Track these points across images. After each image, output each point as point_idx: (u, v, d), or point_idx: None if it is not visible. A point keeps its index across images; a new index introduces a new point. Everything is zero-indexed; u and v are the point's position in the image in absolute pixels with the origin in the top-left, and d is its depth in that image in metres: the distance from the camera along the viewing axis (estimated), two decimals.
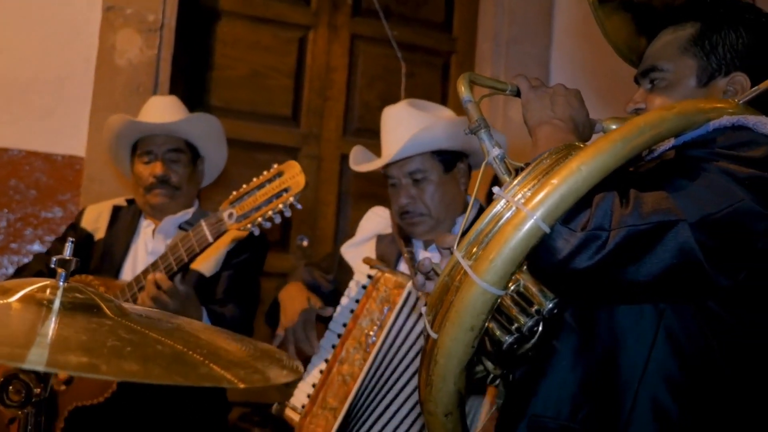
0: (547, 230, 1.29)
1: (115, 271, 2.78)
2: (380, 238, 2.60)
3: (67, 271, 1.18)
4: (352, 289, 2.43)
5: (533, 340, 1.44)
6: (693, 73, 1.63)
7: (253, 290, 2.85)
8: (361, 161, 2.66)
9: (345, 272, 2.56)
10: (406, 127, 2.47)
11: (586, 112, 1.58)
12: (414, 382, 2.26)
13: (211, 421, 2.77)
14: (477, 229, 1.36)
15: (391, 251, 2.54)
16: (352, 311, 2.38)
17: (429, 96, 4.15)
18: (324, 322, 2.49)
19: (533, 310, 1.41)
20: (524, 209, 1.29)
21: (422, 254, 2.53)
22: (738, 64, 1.61)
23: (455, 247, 1.37)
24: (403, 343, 2.25)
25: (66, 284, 1.17)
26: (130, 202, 2.94)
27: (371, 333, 2.28)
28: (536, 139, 1.51)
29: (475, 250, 1.35)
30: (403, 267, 2.50)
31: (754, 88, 1.55)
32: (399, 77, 4.19)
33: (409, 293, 2.25)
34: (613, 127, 1.61)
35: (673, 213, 1.30)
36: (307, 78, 4.10)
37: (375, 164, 2.56)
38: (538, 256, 1.31)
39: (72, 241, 1.20)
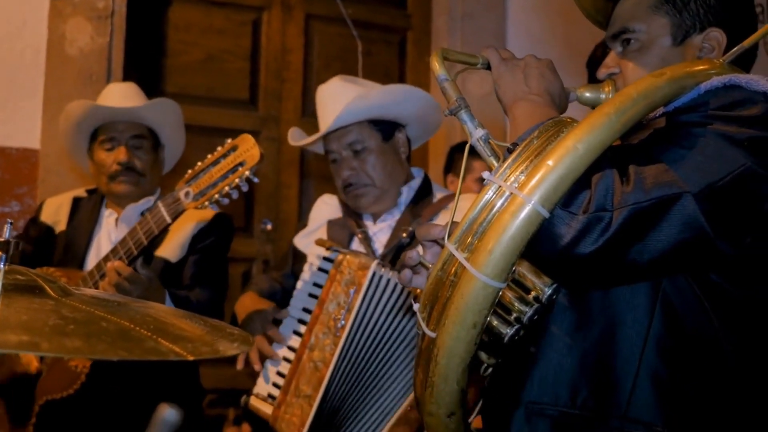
0: (547, 215, 1.22)
1: (79, 262, 2.74)
2: (331, 223, 2.60)
3: (7, 253, 1.16)
4: (306, 272, 2.42)
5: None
6: (667, 32, 1.56)
7: (221, 273, 2.82)
8: (299, 139, 2.66)
9: (300, 262, 2.55)
10: (341, 98, 2.47)
11: (560, 81, 1.52)
12: (389, 364, 2.26)
13: (185, 409, 2.75)
14: (469, 218, 1.29)
15: (342, 234, 2.54)
16: (311, 295, 2.37)
17: (387, 73, 4.15)
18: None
19: (531, 297, 1.37)
20: (520, 194, 1.22)
21: (372, 229, 2.53)
22: (711, 20, 1.55)
23: (447, 239, 1.30)
24: (373, 325, 2.25)
25: (6, 266, 1.15)
26: (91, 192, 2.90)
27: (339, 317, 2.27)
28: (513, 117, 1.44)
29: (469, 240, 1.27)
30: (356, 246, 2.50)
31: (737, 47, 1.49)
32: (356, 56, 4.17)
33: (374, 273, 2.24)
34: (587, 95, 1.57)
35: (676, 185, 1.25)
36: (263, 60, 4.07)
37: (313, 137, 2.56)
38: (539, 244, 1.25)
39: (10, 223, 1.18)
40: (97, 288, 2.51)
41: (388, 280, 2.23)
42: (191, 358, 1.03)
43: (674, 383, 1.36)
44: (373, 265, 2.25)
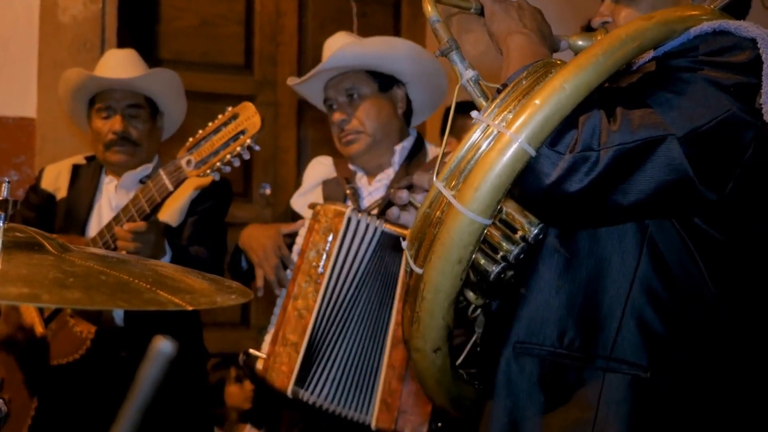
0: (534, 153, 1.24)
1: (81, 228, 2.76)
2: (326, 183, 2.62)
3: (6, 212, 1.17)
4: (301, 235, 2.45)
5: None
6: None
7: (219, 235, 2.84)
8: (299, 87, 2.69)
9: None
10: (339, 45, 2.53)
11: (550, 27, 1.53)
12: (371, 305, 2.29)
13: (189, 372, 2.78)
14: (457, 157, 1.30)
15: (337, 192, 2.56)
16: None
17: (382, 35, 4.12)
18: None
19: (518, 237, 1.37)
20: (507, 132, 1.23)
21: (368, 189, 2.56)
22: None
23: (435, 177, 1.32)
24: (351, 268, 2.29)
25: (5, 225, 1.17)
26: (90, 159, 2.91)
27: (319, 264, 2.30)
28: (508, 50, 1.45)
29: (456, 178, 1.29)
30: (349, 203, 2.53)
31: None
32: (351, 18, 4.15)
33: (350, 219, 2.27)
34: (580, 43, 1.56)
35: (661, 128, 1.26)
36: (257, 24, 4.06)
37: (308, 75, 2.59)
38: (525, 182, 1.27)
39: (8, 182, 1.20)
40: None
41: (366, 225, 2.26)
42: (190, 308, 1.05)
43: (659, 324, 1.38)
44: (348, 210, 2.28)
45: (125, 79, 2.75)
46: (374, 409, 2.24)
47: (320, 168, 2.68)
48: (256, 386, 2.58)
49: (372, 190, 2.55)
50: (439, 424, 2.20)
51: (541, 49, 1.44)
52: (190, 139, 2.41)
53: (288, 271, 2.40)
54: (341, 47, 2.49)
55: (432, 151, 2.61)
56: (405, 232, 2.17)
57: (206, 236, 2.75)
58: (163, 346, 0.56)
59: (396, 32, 4.27)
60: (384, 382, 2.23)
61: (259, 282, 2.44)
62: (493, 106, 1.30)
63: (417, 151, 2.58)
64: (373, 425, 2.24)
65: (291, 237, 2.54)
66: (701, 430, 1.39)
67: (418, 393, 2.19)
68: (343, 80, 2.54)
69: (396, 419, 2.21)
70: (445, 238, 1.26)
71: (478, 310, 1.50)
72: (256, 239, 2.50)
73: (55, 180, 2.87)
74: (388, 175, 2.55)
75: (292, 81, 2.67)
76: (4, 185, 1.22)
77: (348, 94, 2.53)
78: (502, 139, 1.24)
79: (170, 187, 2.41)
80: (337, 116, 2.54)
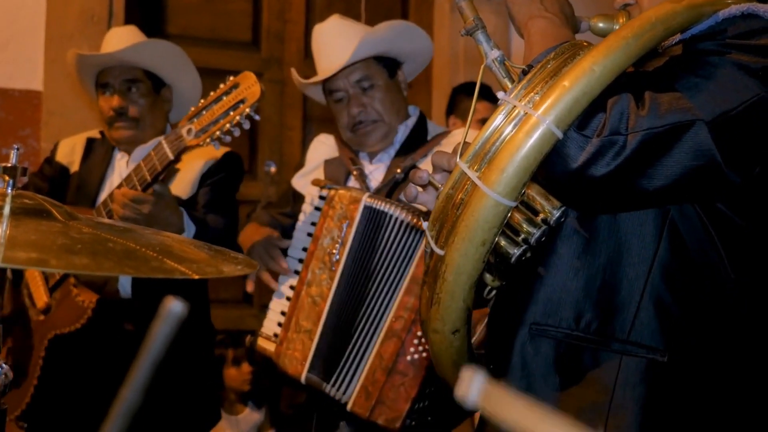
0: (561, 136, 1.22)
1: (91, 203, 2.75)
2: (327, 163, 2.61)
3: (14, 179, 1.18)
4: (305, 213, 2.45)
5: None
6: None
7: (232, 205, 2.83)
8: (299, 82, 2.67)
9: (300, 202, 2.57)
10: (346, 36, 2.47)
11: (572, 7, 1.52)
12: (388, 293, 2.27)
13: (194, 347, 2.79)
14: (482, 138, 1.29)
15: (339, 172, 2.55)
16: (309, 234, 2.39)
17: (390, 15, 4.11)
18: (284, 253, 2.51)
19: (539, 219, 1.37)
20: (535, 114, 1.21)
21: (368, 168, 2.55)
22: None
23: (458, 158, 1.31)
24: (367, 257, 2.28)
25: (14, 191, 1.18)
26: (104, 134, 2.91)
27: (334, 251, 2.29)
28: (529, 35, 1.44)
29: (481, 160, 1.28)
30: (352, 183, 2.52)
31: None
32: None
33: (365, 206, 2.27)
34: (601, 25, 1.54)
35: (690, 112, 1.25)
36: (265, 1, 4.04)
37: (322, 76, 2.55)
38: (551, 165, 1.26)
39: (17, 148, 1.20)
40: None
41: (380, 212, 2.26)
42: (196, 277, 1.06)
43: (677, 309, 1.37)
44: (364, 197, 2.27)
45: (113, 52, 2.72)
46: (353, 392, 2.24)
47: (322, 148, 2.67)
48: (256, 368, 2.60)
49: (373, 169, 2.55)
50: (413, 423, 2.20)
51: (563, 31, 1.43)
52: (192, 109, 2.40)
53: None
54: (361, 42, 2.42)
55: (432, 129, 2.60)
56: (419, 223, 2.18)
57: (219, 204, 2.73)
58: (173, 306, 0.56)
59: (404, 11, 4.25)
60: (369, 370, 2.23)
61: (249, 286, 2.50)
62: (519, 87, 1.29)
63: (419, 129, 2.57)
64: (348, 407, 2.24)
65: (294, 217, 2.55)
66: (716, 416, 1.39)
67: (399, 389, 2.20)
68: (352, 71, 2.49)
69: (372, 408, 2.21)
70: (470, 220, 1.25)
71: (493, 292, 1.49)
72: (249, 238, 2.54)
73: (70, 153, 2.87)
74: (389, 153, 2.55)
75: (299, 84, 2.64)
76: (13, 152, 1.23)
77: (361, 87, 2.50)
78: (529, 120, 1.23)
79: (170, 156, 2.41)
80: (353, 109, 2.50)
